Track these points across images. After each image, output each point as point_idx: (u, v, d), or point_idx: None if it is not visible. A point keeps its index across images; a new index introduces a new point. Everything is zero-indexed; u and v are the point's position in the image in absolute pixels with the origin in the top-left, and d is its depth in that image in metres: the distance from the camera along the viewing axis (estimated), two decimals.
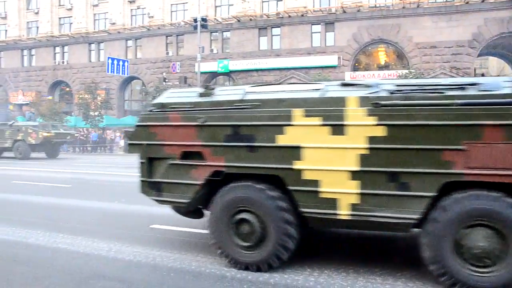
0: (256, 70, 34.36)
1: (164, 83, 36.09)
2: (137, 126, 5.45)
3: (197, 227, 6.67)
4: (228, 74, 35.68)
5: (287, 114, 4.72)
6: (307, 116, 4.66)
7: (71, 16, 42.52)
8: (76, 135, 30.40)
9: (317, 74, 30.42)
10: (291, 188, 4.78)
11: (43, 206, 9.04)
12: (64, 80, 42.86)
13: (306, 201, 4.72)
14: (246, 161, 4.94)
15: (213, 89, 5.43)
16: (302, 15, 33.53)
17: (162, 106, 5.35)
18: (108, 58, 32.11)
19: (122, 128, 32.10)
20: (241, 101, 5.03)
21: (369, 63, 33.62)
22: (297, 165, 4.70)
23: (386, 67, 32.92)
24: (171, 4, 38.47)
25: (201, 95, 5.31)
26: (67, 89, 43.06)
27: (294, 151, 4.71)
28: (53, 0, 43.21)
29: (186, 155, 5.17)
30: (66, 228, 6.82)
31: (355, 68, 33.05)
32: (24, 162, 22.24)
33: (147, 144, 5.29)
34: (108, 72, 31.95)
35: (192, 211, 5.56)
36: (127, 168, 17.23)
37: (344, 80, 30.98)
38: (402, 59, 32.23)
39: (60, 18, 43.36)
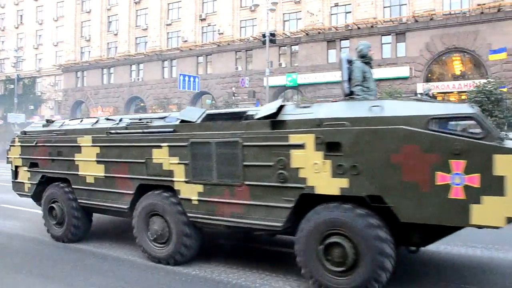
0: (325, 83, 33.98)
1: (233, 97, 36.78)
2: None
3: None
4: (297, 87, 35.59)
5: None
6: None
7: (146, 36, 44.72)
8: None
9: (388, 86, 29.49)
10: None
11: None
12: (139, 96, 44.97)
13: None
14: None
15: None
16: (372, 26, 32.80)
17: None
18: (180, 74, 33.04)
19: None
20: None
21: (443, 73, 32.06)
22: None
23: (461, 76, 31.22)
24: (241, 21, 39.23)
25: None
26: (142, 104, 45.12)
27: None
28: (131, 21, 45.73)
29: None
30: None
31: (428, 79, 31.68)
32: None
33: None
34: (179, 88, 32.93)
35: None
36: None
37: (415, 91, 29.80)
38: (480, 67, 30.39)
39: (136, 37, 45.77)
